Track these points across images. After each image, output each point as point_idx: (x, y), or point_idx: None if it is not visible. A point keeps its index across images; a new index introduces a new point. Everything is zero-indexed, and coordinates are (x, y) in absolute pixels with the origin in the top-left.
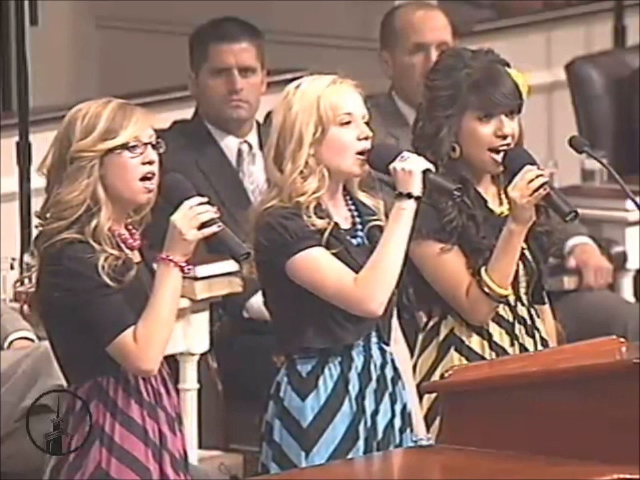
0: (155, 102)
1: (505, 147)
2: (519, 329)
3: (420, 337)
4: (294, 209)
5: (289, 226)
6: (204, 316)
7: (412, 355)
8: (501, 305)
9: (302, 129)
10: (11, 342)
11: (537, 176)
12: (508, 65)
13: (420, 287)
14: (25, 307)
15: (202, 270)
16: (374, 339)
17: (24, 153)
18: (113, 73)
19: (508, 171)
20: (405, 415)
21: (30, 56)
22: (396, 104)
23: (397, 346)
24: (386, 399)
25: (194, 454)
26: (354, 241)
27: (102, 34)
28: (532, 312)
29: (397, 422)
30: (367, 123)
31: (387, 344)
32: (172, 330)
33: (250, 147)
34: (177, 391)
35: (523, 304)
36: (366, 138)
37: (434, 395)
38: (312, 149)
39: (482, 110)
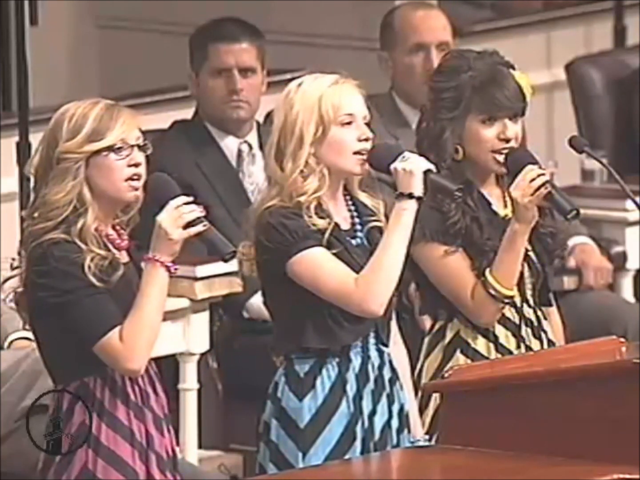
0: (155, 102)
1: (508, 150)
2: (525, 330)
3: (426, 340)
4: (295, 208)
5: (289, 226)
6: (204, 316)
7: (412, 357)
8: (507, 307)
9: (303, 129)
10: (11, 342)
11: (539, 175)
12: (512, 67)
13: (426, 290)
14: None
15: (202, 270)
16: (372, 340)
17: (24, 153)
18: (113, 73)
19: (510, 172)
20: (403, 416)
21: (30, 56)
22: (396, 104)
23: (395, 347)
24: (384, 399)
25: (194, 454)
26: (354, 242)
27: (102, 34)
28: (539, 313)
29: (395, 423)
30: (367, 124)
31: (386, 345)
32: (158, 330)
33: (250, 147)
34: (166, 391)
35: (530, 306)
36: (367, 139)
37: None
38: (312, 149)
39: (485, 113)
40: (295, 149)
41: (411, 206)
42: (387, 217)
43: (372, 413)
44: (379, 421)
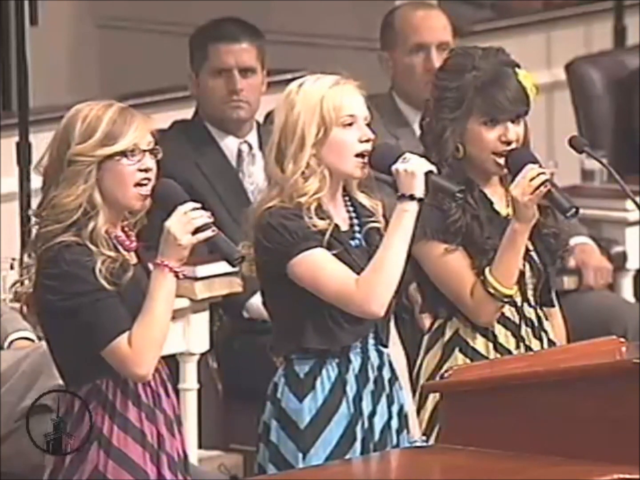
0: (155, 102)
1: (508, 152)
2: (525, 330)
3: (425, 337)
4: (295, 209)
5: (290, 227)
6: (204, 316)
7: (411, 357)
8: (507, 307)
9: (305, 130)
10: (11, 342)
11: (538, 174)
12: (517, 66)
13: (426, 288)
14: (25, 307)
15: (202, 270)
16: (371, 341)
17: (24, 153)
18: (113, 73)
19: (511, 171)
20: (403, 417)
21: (30, 56)
22: (396, 104)
23: (394, 348)
24: (383, 400)
25: (194, 454)
26: (352, 243)
27: (102, 34)
28: (540, 313)
29: (394, 424)
30: (368, 125)
31: (385, 346)
32: (166, 335)
33: (250, 147)
34: (177, 392)
35: (530, 306)
36: (368, 140)
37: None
38: (314, 150)
39: (487, 115)
40: (297, 150)
41: (412, 207)
42: (385, 217)
43: (372, 414)
44: (378, 422)
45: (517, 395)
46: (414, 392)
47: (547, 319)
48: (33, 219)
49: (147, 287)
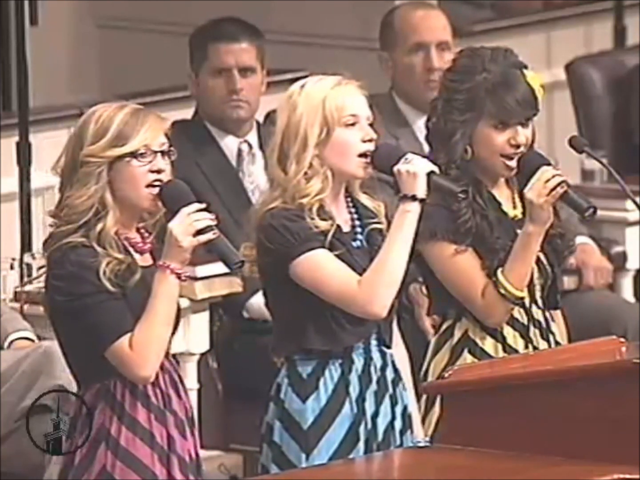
0: (155, 102)
1: (517, 155)
2: (533, 332)
3: (433, 339)
4: (297, 210)
5: (292, 228)
6: (204, 316)
7: (413, 357)
8: (516, 308)
9: (307, 130)
10: (11, 342)
11: (554, 176)
12: (525, 66)
13: (435, 289)
14: (26, 306)
15: (202, 270)
16: (374, 341)
17: (24, 153)
18: (113, 73)
19: (522, 175)
20: (406, 417)
21: (30, 56)
22: (396, 104)
23: (396, 348)
24: (386, 400)
25: None
26: (354, 244)
27: (102, 34)
28: (547, 315)
29: (398, 424)
30: (371, 125)
31: (388, 347)
32: (168, 337)
33: (250, 147)
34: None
35: (538, 307)
36: (370, 140)
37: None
38: (316, 150)
39: (497, 118)
40: (300, 150)
41: (414, 208)
42: (387, 217)
43: (375, 414)
44: (382, 422)
45: (517, 395)
46: (417, 392)
47: (553, 320)
48: (50, 220)
49: None
